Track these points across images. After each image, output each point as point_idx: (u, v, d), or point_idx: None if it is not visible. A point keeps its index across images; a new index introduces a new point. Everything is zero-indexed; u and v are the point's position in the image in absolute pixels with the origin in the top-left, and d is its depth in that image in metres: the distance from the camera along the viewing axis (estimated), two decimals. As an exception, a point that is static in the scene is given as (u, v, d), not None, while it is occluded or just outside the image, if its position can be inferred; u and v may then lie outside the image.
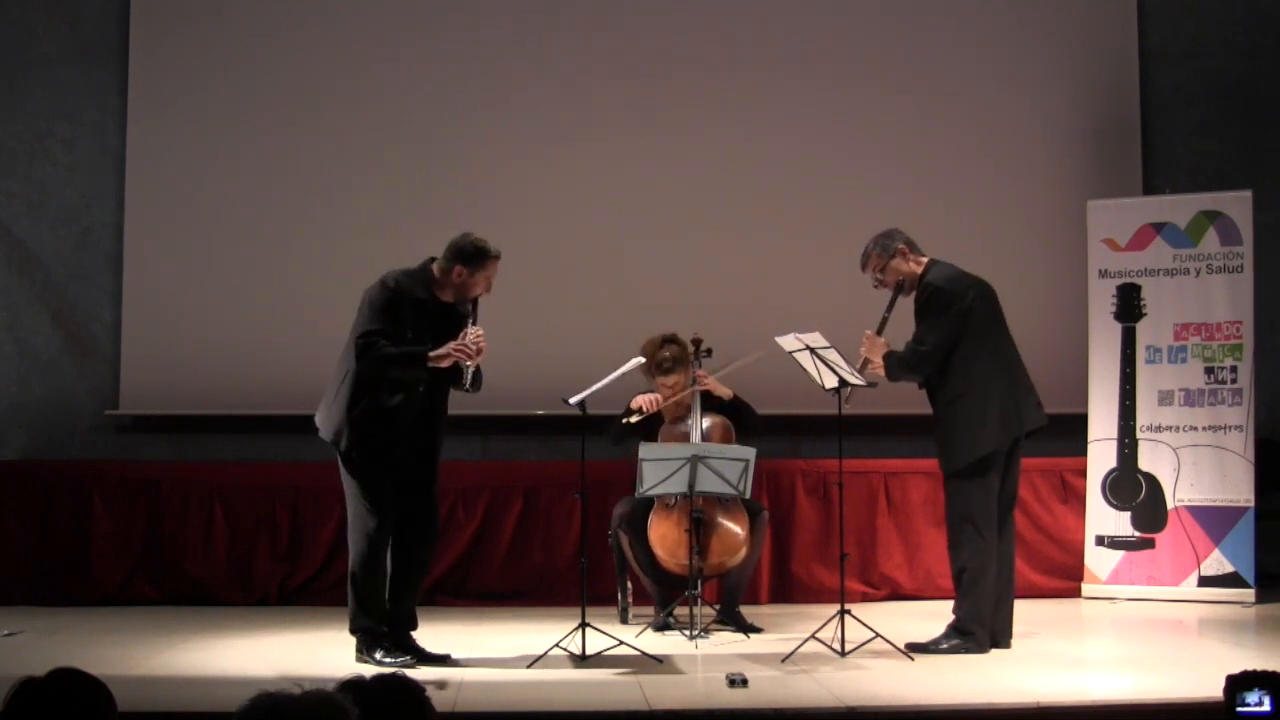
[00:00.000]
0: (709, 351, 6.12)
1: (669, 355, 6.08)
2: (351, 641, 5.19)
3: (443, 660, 5.11)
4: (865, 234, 7.55)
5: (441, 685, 4.59)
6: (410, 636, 5.17)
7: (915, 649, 5.26)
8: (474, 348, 4.98)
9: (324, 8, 7.64)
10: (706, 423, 6.03)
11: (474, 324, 5.06)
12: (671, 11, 7.72)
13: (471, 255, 5.06)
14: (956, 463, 5.35)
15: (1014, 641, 5.37)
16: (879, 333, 5.44)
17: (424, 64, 7.61)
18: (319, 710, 2.24)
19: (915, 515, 6.99)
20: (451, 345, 4.97)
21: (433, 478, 5.20)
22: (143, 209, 7.49)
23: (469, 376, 5.01)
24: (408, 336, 5.01)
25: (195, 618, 6.27)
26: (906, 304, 5.49)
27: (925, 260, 5.47)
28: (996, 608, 5.34)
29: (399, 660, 4.98)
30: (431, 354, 4.96)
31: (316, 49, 7.59)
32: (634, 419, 6.01)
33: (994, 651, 5.28)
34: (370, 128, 7.54)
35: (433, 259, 5.14)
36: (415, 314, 5.03)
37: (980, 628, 5.28)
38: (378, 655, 5.02)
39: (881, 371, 5.42)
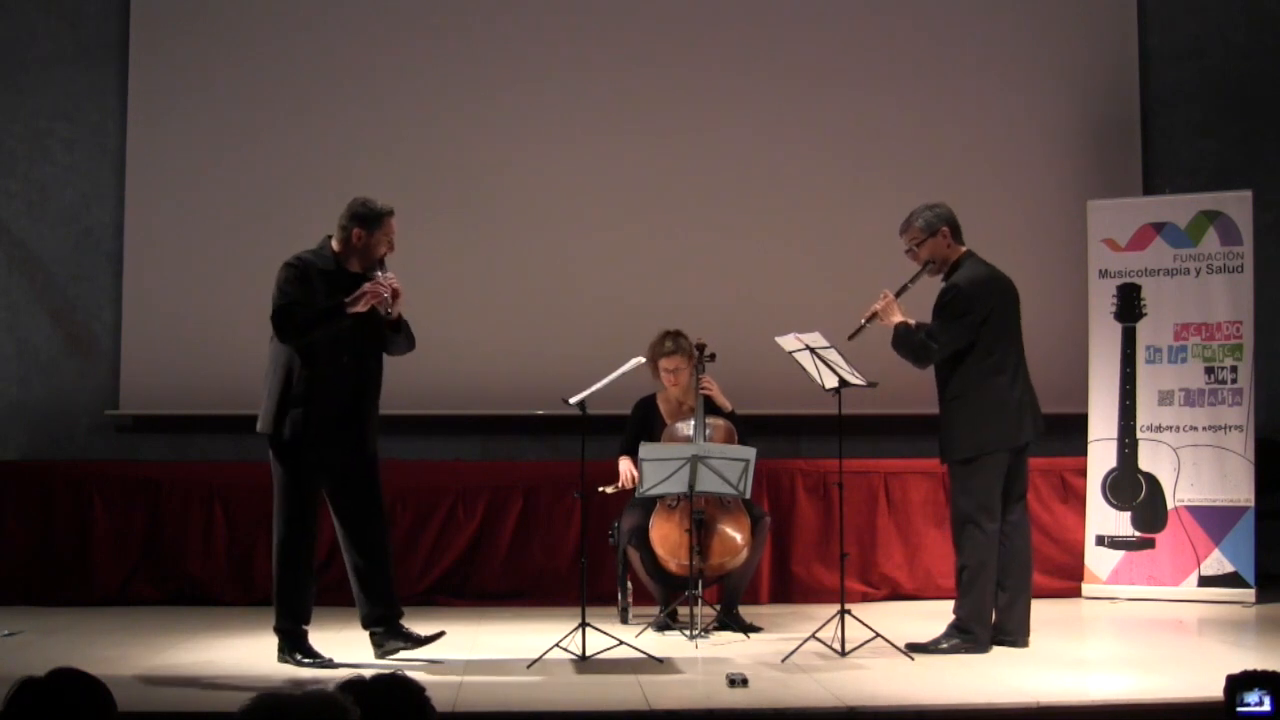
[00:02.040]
0: (712, 356, 6.12)
1: (669, 340, 6.17)
2: (358, 640, 5.22)
3: (435, 638, 5.12)
4: (865, 234, 7.59)
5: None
6: (400, 625, 5.17)
7: (915, 649, 5.26)
8: (388, 287, 4.95)
9: (324, 8, 7.64)
10: (710, 426, 6.03)
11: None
12: (673, 13, 7.71)
13: (366, 216, 5.08)
14: (950, 456, 5.39)
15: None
16: (897, 297, 5.45)
17: (424, 64, 7.62)
18: (321, 710, 2.25)
19: (915, 515, 6.99)
20: (366, 285, 4.95)
21: (372, 462, 5.16)
22: (143, 209, 7.49)
23: (391, 310, 4.97)
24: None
25: (195, 618, 6.27)
26: (928, 279, 5.50)
27: (962, 250, 5.47)
28: (1012, 607, 5.36)
29: (318, 662, 4.99)
30: (348, 299, 4.94)
31: (316, 49, 7.59)
32: (609, 489, 6.07)
33: (994, 651, 5.28)
34: (370, 128, 7.54)
35: (329, 236, 5.15)
36: (326, 285, 5.01)
37: (981, 627, 5.29)
38: (297, 656, 5.02)
39: (889, 325, 5.41)
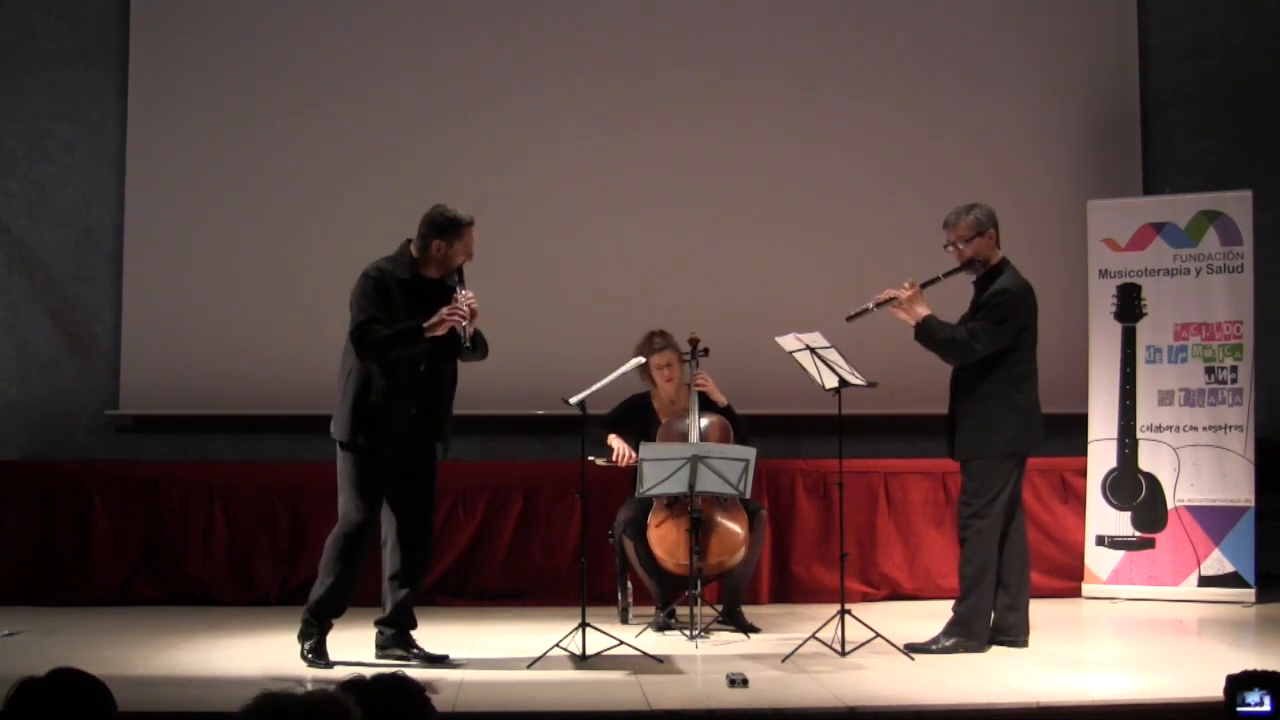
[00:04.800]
0: (706, 351, 6.12)
1: (658, 338, 6.17)
2: (359, 640, 5.22)
3: (441, 660, 5.11)
4: (866, 234, 7.58)
5: (435, 690, 4.59)
6: (410, 636, 5.18)
7: (915, 649, 5.26)
8: (466, 309, 4.99)
9: (324, 8, 7.64)
10: (704, 422, 6.03)
11: (463, 289, 5.07)
12: (674, 13, 7.72)
13: (447, 226, 5.09)
14: (965, 454, 5.40)
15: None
16: (922, 288, 5.40)
17: (425, 63, 7.61)
18: (323, 710, 2.25)
19: (915, 515, 6.99)
20: (444, 310, 4.98)
21: (434, 465, 5.19)
22: (143, 209, 7.49)
23: (467, 337, 5.02)
24: (401, 318, 5.01)
25: (195, 618, 6.27)
26: (951, 281, 5.49)
27: (1000, 255, 5.47)
28: (1013, 607, 5.38)
29: (324, 663, 4.98)
30: (426, 324, 4.97)
31: (316, 49, 7.59)
32: (601, 461, 5.97)
33: (994, 651, 5.29)
34: (370, 127, 7.54)
35: (408, 240, 5.16)
36: (405, 295, 5.05)
37: (980, 625, 5.30)
38: (307, 648, 5.03)
39: (904, 317, 5.38)
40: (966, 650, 5.25)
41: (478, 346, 5.14)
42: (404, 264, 5.11)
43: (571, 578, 6.37)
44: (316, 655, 5.03)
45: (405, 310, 5.03)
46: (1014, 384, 5.35)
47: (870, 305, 5.39)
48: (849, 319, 5.41)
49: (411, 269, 5.11)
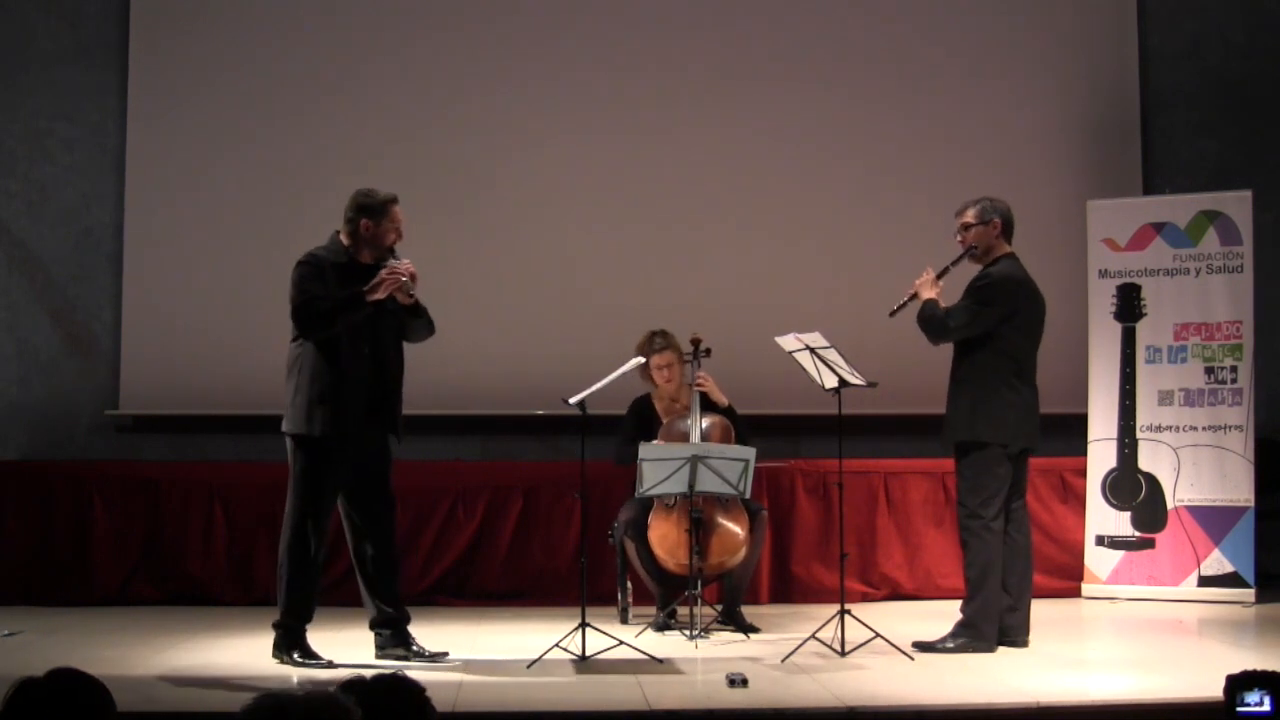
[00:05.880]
0: (708, 352, 6.12)
1: (659, 338, 6.19)
2: (359, 640, 5.22)
3: (441, 657, 5.11)
4: (866, 234, 7.58)
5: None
6: (408, 633, 5.17)
7: (923, 648, 5.27)
8: (405, 271, 4.97)
9: (323, 9, 7.65)
10: (706, 422, 6.03)
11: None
12: (674, 11, 7.72)
13: (372, 206, 5.10)
14: (947, 438, 5.44)
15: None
16: (938, 277, 5.51)
17: (426, 63, 7.62)
18: (323, 710, 2.25)
19: (915, 515, 6.99)
20: (383, 272, 4.96)
21: (389, 457, 5.18)
22: (143, 209, 7.49)
23: (411, 291, 4.98)
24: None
25: (195, 618, 6.27)
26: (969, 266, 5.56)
27: (1007, 249, 5.51)
28: (1014, 607, 5.38)
29: (316, 663, 4.96)
30: (366, 287, 4.94)
31: (316, 49, 7.60)
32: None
33: (996, 650, 5.28)
34: (370, 127, 7.54)
35: (336, 231, 5.16)
36: (340, 279, 5.03)
37: (988, 625, 5.29)
38: (295, 656, 4.99)
39: (920, 299, 5.48)
40: (975, 651, 5.24)
41: (420, 311, 5.12)
42: (338, 251, 5.11)
43: (571, 578, 6.37)
44: (305, 655, 5.01)
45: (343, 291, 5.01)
46: (996, 375, 5.35)
47: (905, 299, 5.51)
48: (891, 314, 5.50)
49: (345, 256, 5.10)
